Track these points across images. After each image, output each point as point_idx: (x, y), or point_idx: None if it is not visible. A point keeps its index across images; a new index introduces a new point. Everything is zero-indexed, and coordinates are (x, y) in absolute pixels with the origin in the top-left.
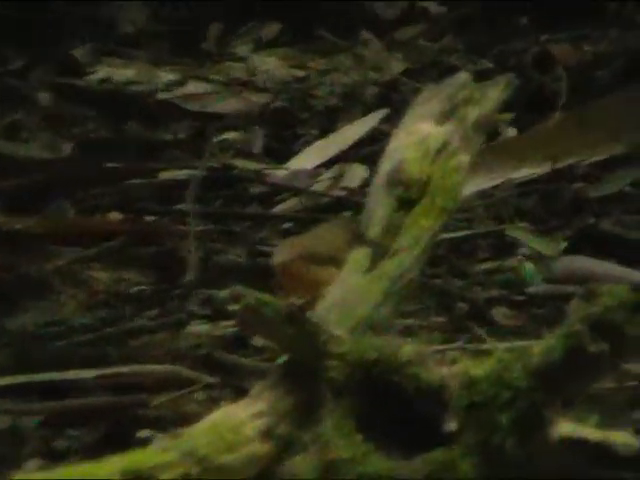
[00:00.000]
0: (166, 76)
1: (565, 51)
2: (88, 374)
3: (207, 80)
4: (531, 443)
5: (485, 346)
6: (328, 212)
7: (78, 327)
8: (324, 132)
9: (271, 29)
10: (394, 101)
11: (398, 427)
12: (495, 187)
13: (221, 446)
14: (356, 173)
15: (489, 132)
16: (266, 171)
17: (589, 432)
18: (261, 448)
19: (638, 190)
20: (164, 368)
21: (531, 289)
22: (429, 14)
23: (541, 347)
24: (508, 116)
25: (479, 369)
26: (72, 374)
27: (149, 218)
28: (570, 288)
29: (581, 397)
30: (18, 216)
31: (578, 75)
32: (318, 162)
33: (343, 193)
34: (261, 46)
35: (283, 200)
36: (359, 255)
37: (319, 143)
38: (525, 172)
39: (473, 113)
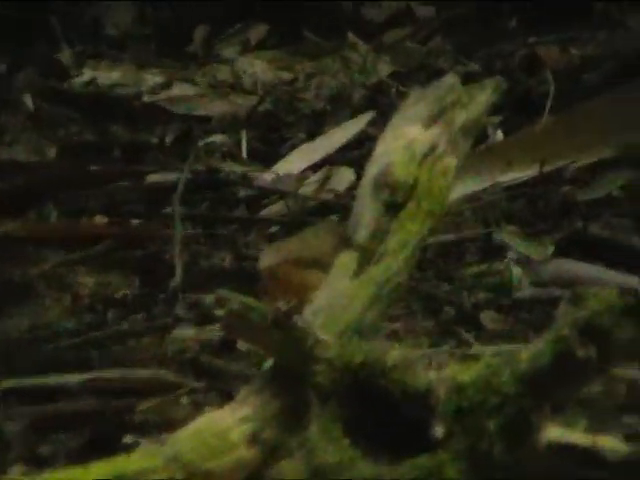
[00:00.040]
0: (152, 79)
1: (553, 54)
2: (73, 379)
3: (193, 83)
4: (519, 449)
5: (473, 351)
6: (315, 216)
7: (63, 331)
8: (311, 135)
9: (258, 31)
10: (381, 104)
11: (385, 432)
12: (483, 190)
13: (206, 451)
14: (343, 176)
15: (477, 135)
16: (252, 174)
17: (578, 437)
18: (247, 453)
19: (627, 193)
20: (150, 373)
21: (519, 293)
22: (416, 17)
23: (529, 352)
24: (496, 119)
25: (466, 374)
26: (57, 379)
27: (135, 222)
28: (558, 292)
29: (570, 402)
30: (2, 220)
31: (566, 78)
32: (305, 165)
33: (330, 197)
34: (248, 48)
35: (270, 204)
36: (346, 259)
37: (306, 146)
38: (513, 175)
39: (461, 116)
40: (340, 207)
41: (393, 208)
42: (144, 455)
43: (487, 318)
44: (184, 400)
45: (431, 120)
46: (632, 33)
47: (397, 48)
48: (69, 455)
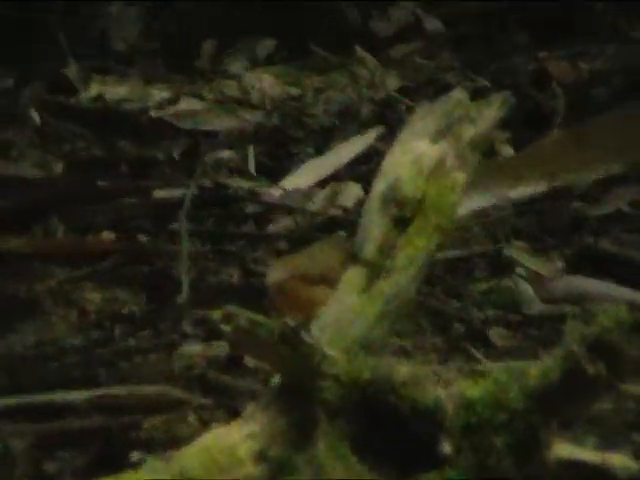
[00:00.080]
0: (159, 94)
1: (562, 68)
2: (79, 395)
3: (200, 98)
4: (528, 465)
5: (481, 367)
6: (323, 231)
7: (69, 348)
8: (319, 150)
9: (265, 46)
10: (389, 119)
11: (393, 449)
12: (492, 206)
13: (214, 468)
14: (351, 192)
15: (485, 150)
16: (260, 190)
17: (587, 454)
18: (254, 470)
19: (637, 209)
20: (156, 389)
21: (528, 309)
22: (425, 31)
23: (538, 368)
24: (505, 134)
25: (475, 390)
26: (63, 395)
27: (142, 237)
28: (568, 308)
29: (579, 419)
30: (8, 235)
31: (575, 92)
32: (313, 181)
33: (338, 212)
34: (255, 63)
35: (277, 219)
36: (354, 275)
37: (314, 162)
38: (522, 191)
39: (469, 131)
40: (348, 222)
41: (401, 223)
42: (151, 472)
43: (496, 334)
44: (191, 417)
45: (439, 135)
46: None
47: (405, 63)
48: (75, 473)
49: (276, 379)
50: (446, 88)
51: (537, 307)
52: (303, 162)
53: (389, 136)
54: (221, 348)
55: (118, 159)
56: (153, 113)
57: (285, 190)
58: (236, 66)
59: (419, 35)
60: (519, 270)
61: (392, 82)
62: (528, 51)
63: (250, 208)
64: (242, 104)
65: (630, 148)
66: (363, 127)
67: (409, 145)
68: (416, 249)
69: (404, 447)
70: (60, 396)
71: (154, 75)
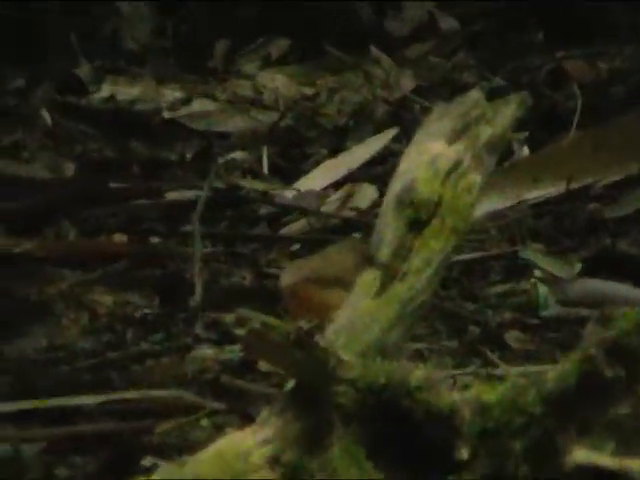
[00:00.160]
0: (171, 94)
1: (579, 68)
2: (91, 400)
3: (213, 98)
4: (545, 471)
5: (498, 371)
6: (337, 233)
7: (81, 352)
8: (333, 151)
9: (279, 46)
10: (405, 120)
11: (408, 454)
12: (508, 208)
13: (227, 474)
14: (366, 193)
15: (502, 151)
16: (274, 191)
17: (605, 460)
18: (268, 475)
19: None
20: (169, 393)
21: (545, 312)
22: (440, 30)
23: (555, 372)
24: (522, 135)
25: (492, 394)
26: (75, 400)
27: (154, 240)
28: (585, 311)
29: (597, 423)
30: (19, 238)
31: (593, 92)
32: (327, 182)
33: (352, 214)
34: (269, 63)
35: (291, 221)
36: (368, 277)
37: (328, 163)
38: (539, 192)
39: (485, 132)
40: (363, 225)
41: (417, 225)
42: (163, 477)
43: (512, 338)
44: (204, 421)
45: (455, 136)
46: None
47: (421, 62)
48: (87, 478)
49: (290, 383)
50: (462, 88)
51: (554, 310)
52: (317, 163)
53: (404, 137)
54: (234, 352)
55: (130, 160)
56: (165, 114)
57: (299, 191)
58: (249, 66)
59: (434, 34)
60: (536, 272)
61: (407, 82)
62: (545, 50)
63: (263, 210)
64: (255, 104)
65: None
66: (378, 128)
67: (425, 146)
68: (432, 251)
69: (419, 452)
70: (71, 400)
71: (166, 75)
